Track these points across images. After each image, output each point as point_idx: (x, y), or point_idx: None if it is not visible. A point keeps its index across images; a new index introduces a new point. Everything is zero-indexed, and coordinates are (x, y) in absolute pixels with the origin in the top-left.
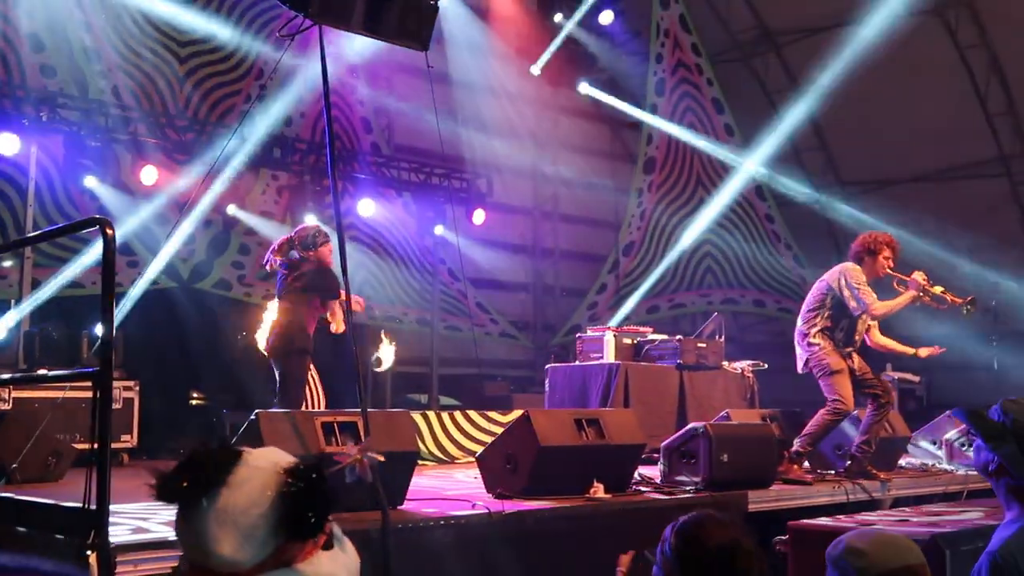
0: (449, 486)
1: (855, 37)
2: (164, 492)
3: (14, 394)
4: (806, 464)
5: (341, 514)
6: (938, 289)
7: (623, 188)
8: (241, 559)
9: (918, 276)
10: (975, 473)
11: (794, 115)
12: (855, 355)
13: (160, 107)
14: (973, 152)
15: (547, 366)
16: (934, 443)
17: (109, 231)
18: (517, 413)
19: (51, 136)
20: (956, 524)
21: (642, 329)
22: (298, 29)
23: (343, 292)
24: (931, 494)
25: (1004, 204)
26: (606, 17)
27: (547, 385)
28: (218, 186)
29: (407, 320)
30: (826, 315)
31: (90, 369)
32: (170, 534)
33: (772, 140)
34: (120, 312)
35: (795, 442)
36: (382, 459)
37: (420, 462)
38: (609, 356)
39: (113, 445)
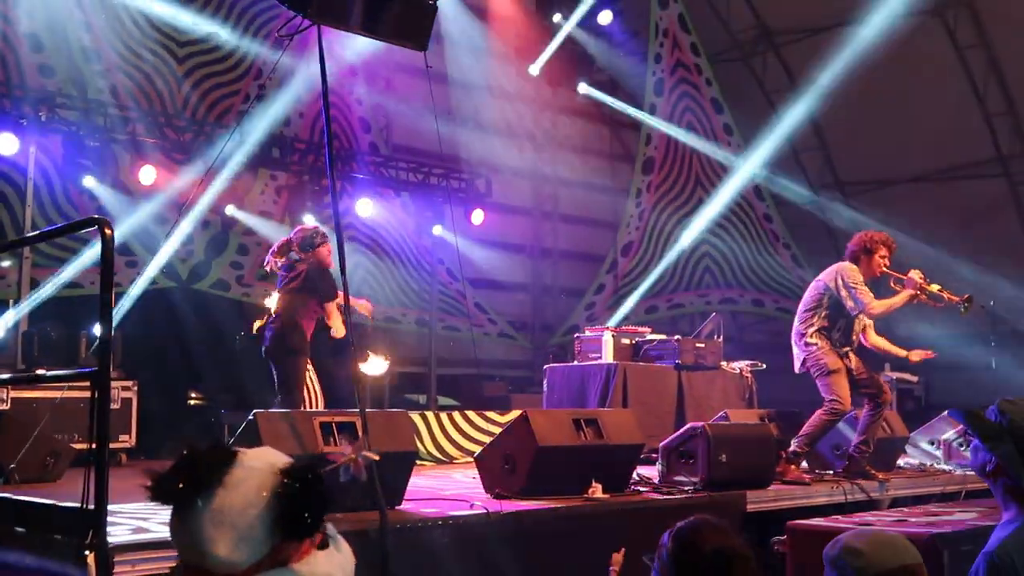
0: (447, 486)
1: (854, 37)
2: (159, 493)
3: (12, 394)
4: (804, 464)
5: (340, 514)
6: (935, 287)
7: (622, 188)
8: (237, 560)
9: (915, 274)
10: (973, 473)
11: (793, 115)
12: (852, 355)
13: (159, 107)
14: (972, 152)
15: (545, 366)
16: (932, 443)
17: (108, 231)
18: (515, 413)
19: (50, 136)
20: (954, 524)
21: (640, 329)
22: (297, 29)
23: (341, 294)
24: (929, 494)
25: (1003, 204)
26: (605, 17)
27: (545, 385)
28: (217, 186)
29: (405, 320)
30: (823, 315)
31: (88, 369)
32: (169, 534)
33: (771, 140)
34: (119, 312)
35: (792, 442)
36: (377, 458)
37: (418, 462)
38: (607, 356)
39: (111, 445)
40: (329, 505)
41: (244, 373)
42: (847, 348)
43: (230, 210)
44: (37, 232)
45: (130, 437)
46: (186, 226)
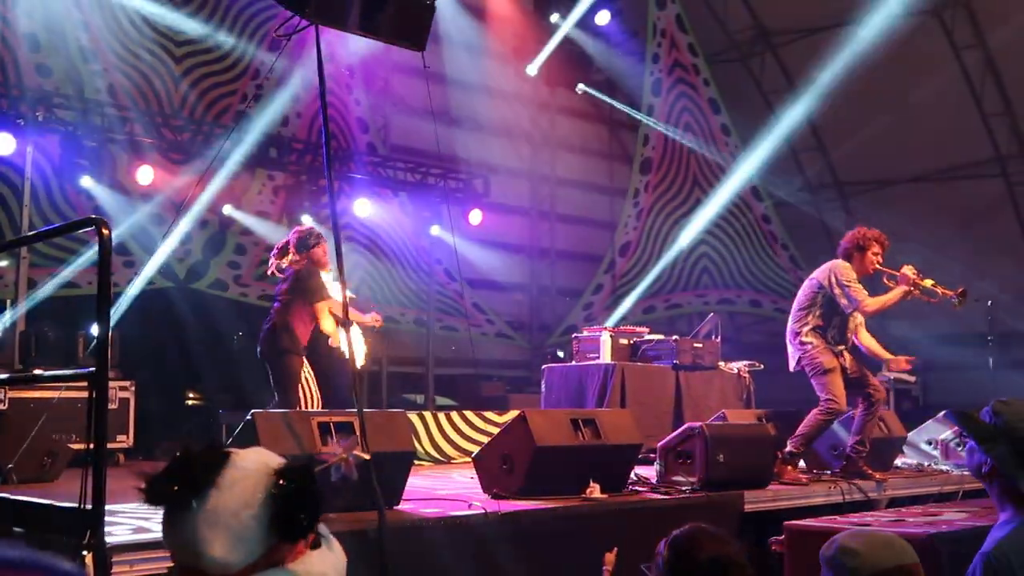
0: (445, 486)
1: (852, 37)
2: (152, 495)
3: (10, 394)
4: (802, 464)
5: (338, 514)
6: (928, 282)
7: (620, 189)
8: (232, 560)
9: (908, 270)
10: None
11: (791, 115)
12: (847, 353)
13: (156, 107)
14: (969, 153)
15: (543, 366)
16: (930, 443)
17: (105, 231)
18: (513, 413)
19: (47, 136)
20: (951, 524)
21: (638, 329)
22: (294, 29)
23: (328, 296)
24: (927, 494)
25: (1000, 204)
26: (603, 17)
27: (543, 385)
28: (214, 186)
29: (403, 320)
30: (817, 313)
31: (86, 369)
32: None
33: (769, 141)
34: (116, 312)
35: (788, 443)
36: (367, 458)
37: (416, 462)
38: (605, 356)
39: (109, 445)
40: (324, 506)
41: (242, 373)
42: (842, 347)
43: (227, 210)
44: (34, 232)
45: (128, 437)
46: (183, 226)
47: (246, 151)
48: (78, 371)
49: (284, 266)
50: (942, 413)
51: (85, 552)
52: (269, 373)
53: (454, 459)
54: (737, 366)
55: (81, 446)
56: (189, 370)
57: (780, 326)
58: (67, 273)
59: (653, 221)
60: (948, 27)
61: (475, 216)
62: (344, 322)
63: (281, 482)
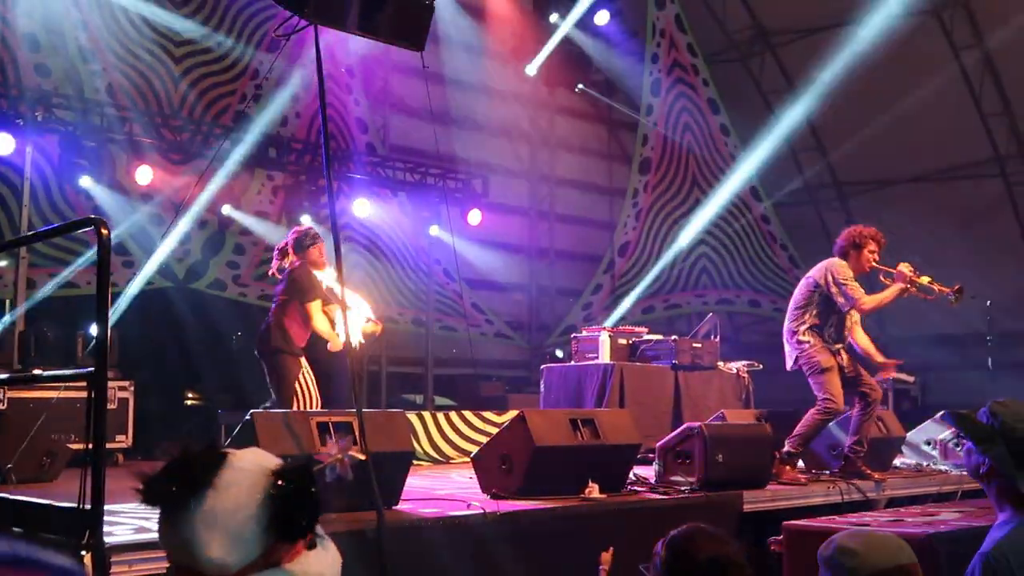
0: (444, 486)
1: (851, 37)
2: (150, 495)
3: (9, 394)
4: (800, 464)
5: (336, 514)
6: (925, 279)
7: (619, 189)
8: (230, 561)
9: (904, 268)
10: None
11: (790, 116)
12: (844, 352)
13: (156, 107)
14: (968, 153)
15: (542, 366)
16: (929, 443)
17: (104, 231)
18: (512, 413)
19: (46, 136)
20: (950, 524)
21: (637, 329)
22: (294, 29)
23: (316, 299)
24: (925, 494)
25: (999, 204)
26: (602, 17)
27: (542, 385)
28: (213, 186)
29: (402, 321)
30: (814, 312)
31: (85, 369)
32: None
33: (768, 141)
34: (115, 312)
35: (786, 443)
36: (363, 458)
37: (415, 462)
38: (604, 356)
39: (108, 445)
40: (323, 506)
41: (241, 373)
42: (839, 345)
43: (227, 210)
44: (34, 232)
45: (127, 437)
46: (183, 226)
47: (245, 151)
48: (77, 371)
49: (284, 267)
50: (939, 414)
51: (84, 552)
52: (265, 372)
53: (453, 459)
54: (736, 366)
55: (80, 446)
56: (188, 370)
57: (779, 326)
58: (66, 273)
59: (652, 221)
60: (947, 27)
61: (474, 216)
62: (341, 303)
63: (280, 483)
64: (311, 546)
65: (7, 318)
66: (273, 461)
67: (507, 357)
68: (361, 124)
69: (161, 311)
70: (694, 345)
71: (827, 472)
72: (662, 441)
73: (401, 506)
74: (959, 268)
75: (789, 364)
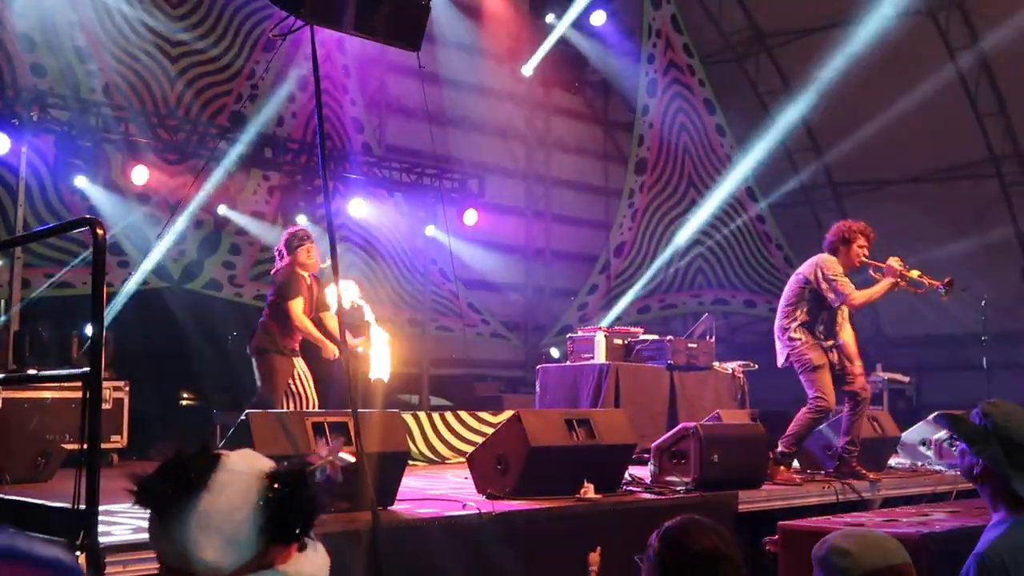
0: (440, 486)
1: (847, 38)
2: (143, 497)
3: (3, 394)
4: (795, 464)
5: (332, 515)
6: (915, 273)
7: (615, 189)
8: (224, 564)
9: (893, 262)
10: None
11: (786, 116)
12: (835, 350)
13: (151, 107)
14: (964, 153)
15: (538, 366)
16: (923, 443)
17: (99, 231)
18: (508, 414)
19: (42, 136)
20: (945, 524)
21: (633, 329)
22: (290, 29)
23: (297, 298)
24: (920, 494)
25: (995, 204)
26: (598, 18)
27: (538, 386)
28: (209, 186)
29: (398, 321)
30: (804, 309)
31: (80, 369)
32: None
33: (764, 141)
34: (110, 312)
35: (779, 443)
36: (353, 459)
37: (411, 463)
38: (600, 356)
39: (103, 445)
40: (318, 508)
41: (237, 373)
42: (831, 342)
43: (222, 210)
44: (29, 232)
45: (122, 437)
46: (178, 226)
47: (241, 151)
48: (72, 371)
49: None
50: (932, 416)
51: (79, 553)
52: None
53: (448, 459)
54: (731, 366)
55: (75, 446)
56: (184, 370)
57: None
58: (62, 273)
59: (648, 221)
60: (943, 28)
61: (470, 216)
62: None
63: (276, 486)
64: (301, 548)
65: (2, 318)
66: (266, 463)
67: (503, 357)
68: (357, 124)
69: (157, 311)
70: (690, 345)
71: (822, 472)
72: (657, 441)
73: (397, 506)
74: (954, 268)
75: (780, 361)
